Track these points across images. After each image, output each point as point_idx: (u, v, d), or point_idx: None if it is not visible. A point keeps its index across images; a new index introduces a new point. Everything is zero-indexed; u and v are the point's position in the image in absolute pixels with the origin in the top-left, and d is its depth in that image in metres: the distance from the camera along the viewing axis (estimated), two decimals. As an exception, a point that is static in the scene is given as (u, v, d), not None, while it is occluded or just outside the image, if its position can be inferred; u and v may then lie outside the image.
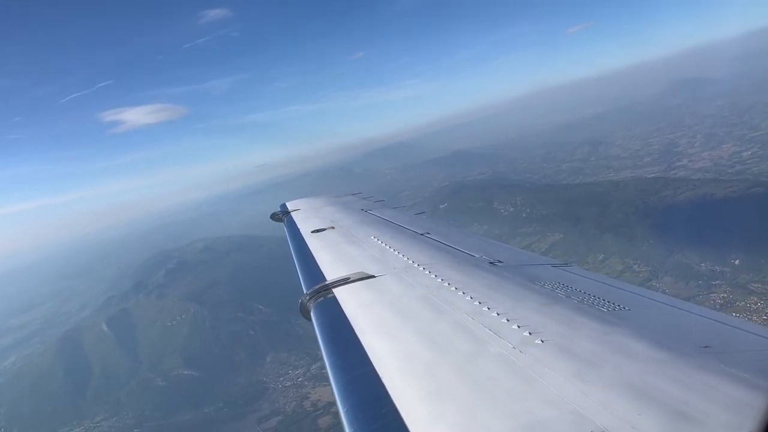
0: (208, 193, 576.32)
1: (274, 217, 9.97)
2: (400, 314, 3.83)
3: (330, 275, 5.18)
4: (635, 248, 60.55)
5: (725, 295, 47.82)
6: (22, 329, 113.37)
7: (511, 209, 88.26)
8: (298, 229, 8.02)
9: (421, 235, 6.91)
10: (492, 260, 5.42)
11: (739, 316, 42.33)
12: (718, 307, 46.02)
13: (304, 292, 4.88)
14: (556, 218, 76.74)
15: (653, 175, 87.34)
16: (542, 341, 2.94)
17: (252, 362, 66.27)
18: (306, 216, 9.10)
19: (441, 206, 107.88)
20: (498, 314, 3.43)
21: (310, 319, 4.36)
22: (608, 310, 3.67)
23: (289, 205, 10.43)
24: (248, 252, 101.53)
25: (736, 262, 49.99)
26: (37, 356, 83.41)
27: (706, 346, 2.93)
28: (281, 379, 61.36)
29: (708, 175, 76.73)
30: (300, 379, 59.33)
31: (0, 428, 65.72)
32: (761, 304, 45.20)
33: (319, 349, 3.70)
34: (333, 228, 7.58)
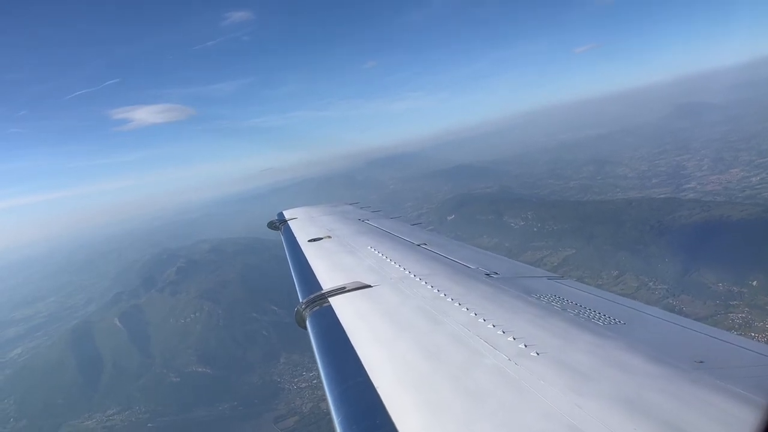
0: (210, 194, 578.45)
1: (271, 225, 9.95)
2: (396, 324, 3.84)
3: (326, 284, 5.20)
4: (651, 266, 61.27)
5: (743, 315, 48.42)
6: (25, 322, 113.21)
7: (522, 223, 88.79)
8: (295, 238, 7.99)
9: (418, 245, 6.95)
10: (488, 272, 5.45)
11: (756, 336, 43.35)
12: (737, 327, 46.91)
13: (300, 300, 4.90)
14: (568, 233, 77.42)
15: (663, 195, 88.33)
16: (537, 354, 2.96)
17: (266, 362, 66.45)
18: (303, 225, 9.14)
19: (448, 218, 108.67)
20: (494, 326, 3.44)
21: (305, 328, 4.37)
22: (604, 323, 3.71)
23: (286, 214, 10.40)
24: (256, 254, 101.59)
25: (754, 283, 50.65)
26: (45, 349, 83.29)
27: (701, 361, 2.95)
28: (296, 380, 61.54)
29: (719, 198, 77.74)
30: (315, 381, 59.18)
31: (10, 418, 65.73)
32: (780, 325, 46.00)
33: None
34: (330, 237, 7.61)
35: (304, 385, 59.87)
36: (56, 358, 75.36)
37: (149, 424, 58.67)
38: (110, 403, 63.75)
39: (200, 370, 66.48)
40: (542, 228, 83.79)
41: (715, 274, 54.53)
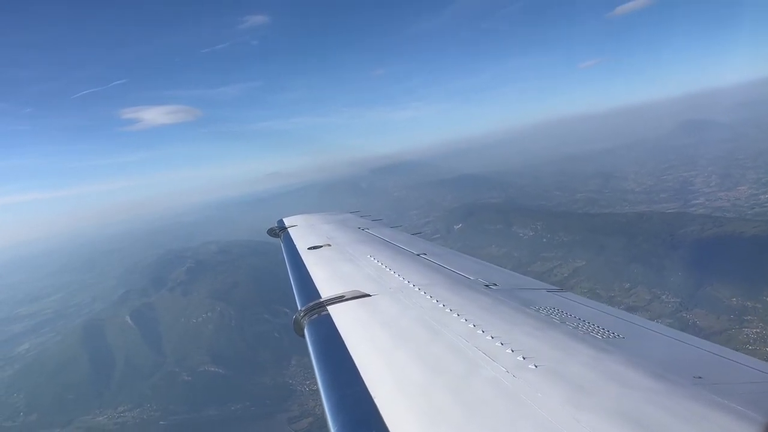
0: (213, 196, 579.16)
1: (271, 232, 9.92)
2: (394, 334, 3.81)
3: (325, 292, 5.15)
4: (663, 279, 61.79)
5: (758, 330, 48.96)
6: (31, 318, 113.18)
7: (531, 234, 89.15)
8: (295, 246, 7.95)
9: (417, 255, 6.93)
10: (487, 283, 5.44)
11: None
12: (751, 341, 47.48)
13: (299, 308, 4.85)
14: (578, 245, 77.97)
15: (672, 210, 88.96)
16: (536, 366, 2.95)
17: (277, 364, 66.53)
18: (303, 233, 9.10)
19: (455, 226, 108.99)
20: (492, 337, 3.42)
21: (303, 336, 4.34)
22: (603, 337, 3.70)
23: (287, 221, 10.34)
24: (264, 257, 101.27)
25: (768, 298, 51.47)
26: (54, 345, 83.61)
27: (699, 377, 2.97)
28: (308, 382, 61.49)
29: (729, 215, 78.43)
30: (327, 385, 59.58)
31: (20, 413, 65.88)
32: (795, 340, 46.49)
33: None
34: (329, 245, 7.55)
35: (316, 387, 59.50)
36: (66, 354, 75.62)
37: (161, 422, 58.74)
38: (121, 400, 63.79)
39: (212, 369, 66.60)
40: (552, 239, 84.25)
41: (729, 288, 55.02)
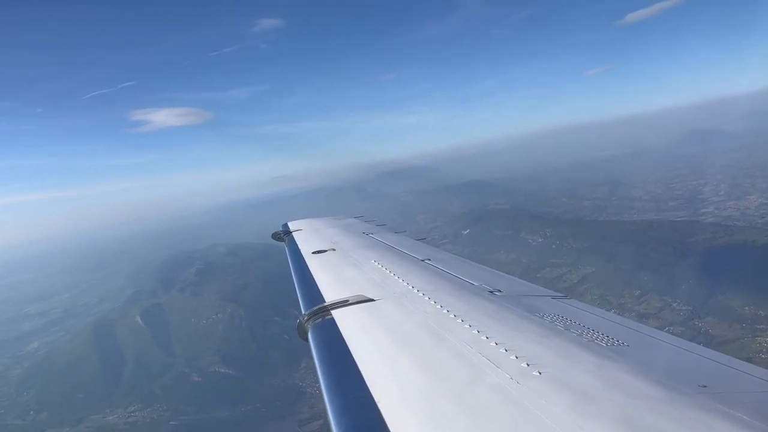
0: (220, 199, 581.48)
1: (276, 236, 9.87)
2: (398, 339, 3.81)
3: (329, 297, 5.14)
4: (674, 287, 61.57)
5: (771, 340, 49.03)
6: (41, 317, 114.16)
7: (540, 240, 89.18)
8: (299, 250, 7.96)
9: (422, 261, 6.94)
10: (492, 289, 5.44)
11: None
12: (764, 350, 47.38)
13: (303, 312, 4.83)
14: (587, 252, 77.88)
15: (682, 218, 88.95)
16: (540, 373, 2.94)
17: (287, 366, 66.56)
18: (307, 237, 9.07)
19: (463, 232, 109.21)
20: (496, 344, 3.42)
21: (307, 340, 4.32)
22: (607, 344, 3.69)
23: (291, 225, 10.31)
24: (273, 259, 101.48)
25: (782, 307, 51.28)
26: (64, 344, 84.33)
27: (704, 386, 2.97)
28: (317, 385, 61.24)
29: (739, 223, 78.33)
30: (337, 387, 59.77)
31: (30, 411, 66.31)
32: (809, 350, 46.37)
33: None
34: (334, 250, 7.58)
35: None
36: (76, 354, 76.24)
37: (171, 422, 59.00)
38: (132, 400, 64.00)
39: (222, 370, 66.87)
40: (561, 245, 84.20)
41: (741, 297, 54.82)
